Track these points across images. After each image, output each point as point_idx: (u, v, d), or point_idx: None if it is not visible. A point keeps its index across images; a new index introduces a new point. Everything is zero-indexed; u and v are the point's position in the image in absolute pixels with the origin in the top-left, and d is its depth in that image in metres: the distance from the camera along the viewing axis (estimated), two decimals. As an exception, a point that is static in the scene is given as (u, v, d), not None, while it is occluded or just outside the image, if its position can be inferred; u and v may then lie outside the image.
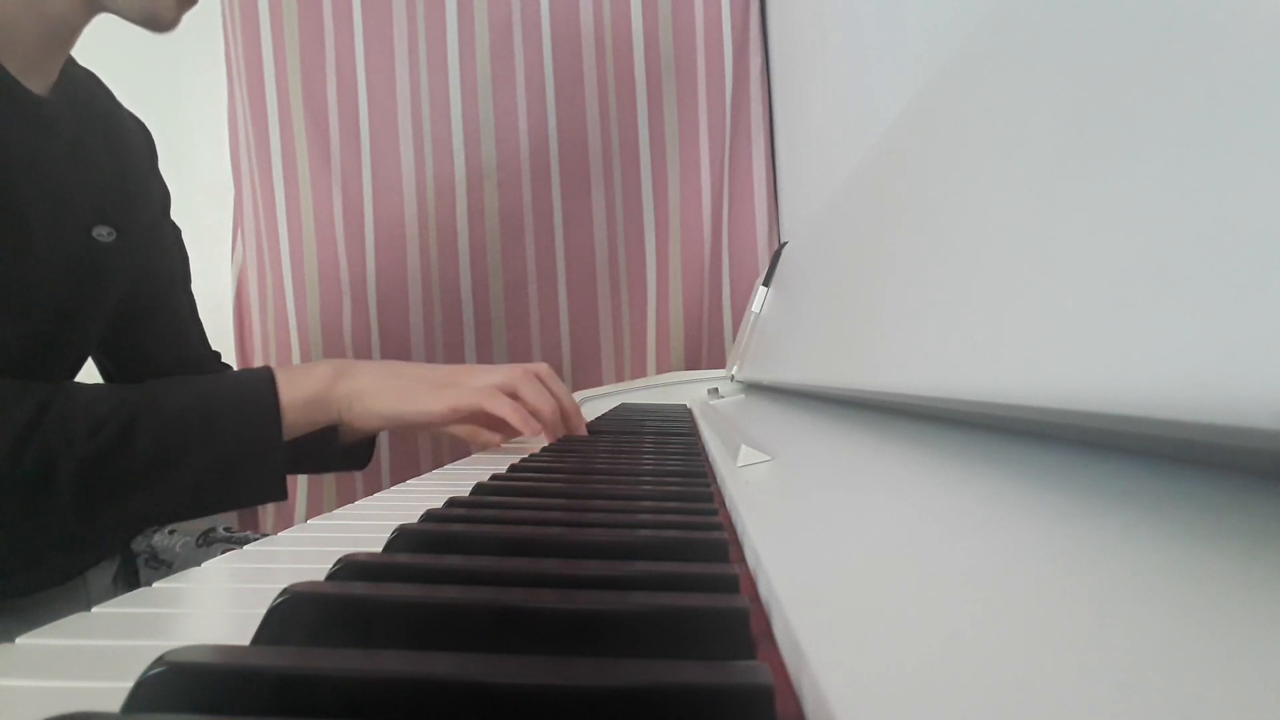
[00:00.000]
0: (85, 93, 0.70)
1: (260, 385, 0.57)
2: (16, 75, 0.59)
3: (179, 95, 1.53)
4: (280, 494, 0.57)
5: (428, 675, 0.14)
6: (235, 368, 0.91)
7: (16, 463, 0.47)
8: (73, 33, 0.63)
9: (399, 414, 0.61)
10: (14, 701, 0.16)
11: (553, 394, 0.65)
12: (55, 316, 0.62)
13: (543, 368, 0.67)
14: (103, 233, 0.66)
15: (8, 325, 0.58)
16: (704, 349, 1.45)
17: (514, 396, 0.63)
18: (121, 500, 0.51)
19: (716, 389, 1.07)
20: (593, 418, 0.91)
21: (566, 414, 0.68)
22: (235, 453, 0.54)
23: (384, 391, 0.61)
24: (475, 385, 0.62)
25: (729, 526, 0.30)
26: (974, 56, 0.26)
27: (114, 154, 0.70)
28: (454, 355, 1.43)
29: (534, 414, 0.63)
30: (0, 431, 0.47)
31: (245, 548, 0.31)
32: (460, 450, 1.40)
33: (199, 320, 0.87)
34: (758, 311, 0.86)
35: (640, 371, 1.47)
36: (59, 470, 0.48)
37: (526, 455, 0.56)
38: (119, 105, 0.76)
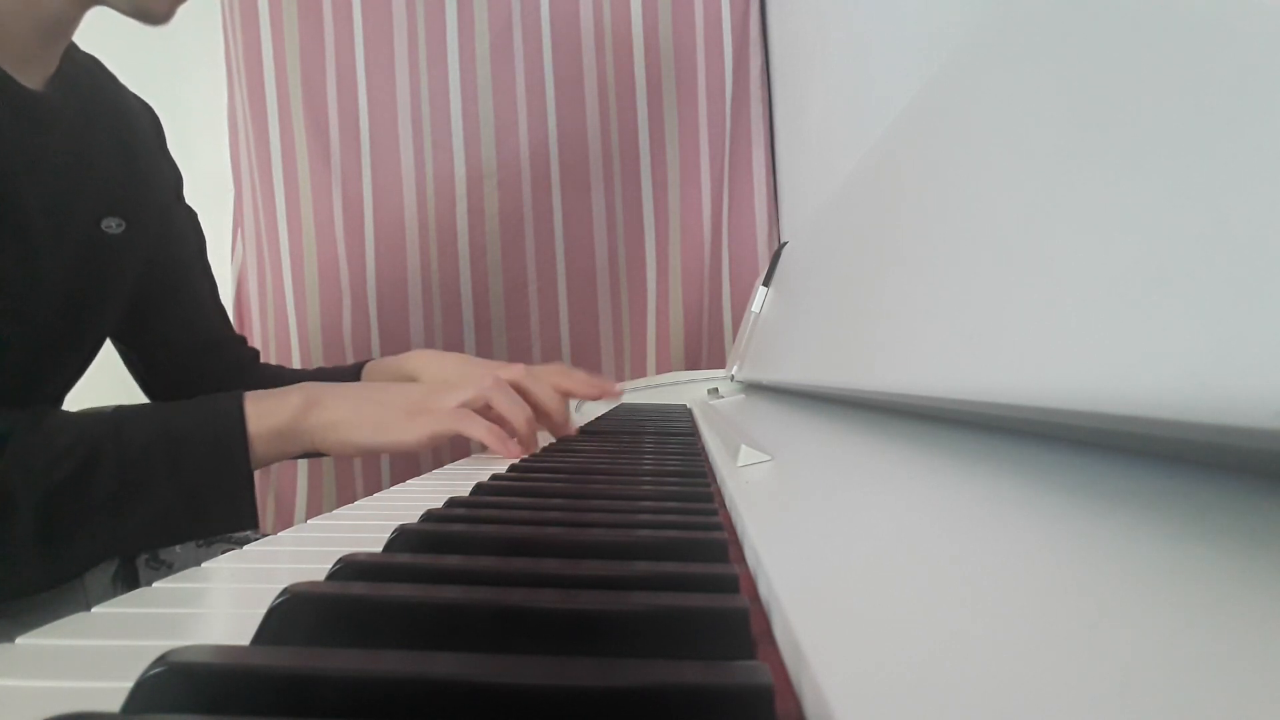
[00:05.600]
0: (88, 80, 0.68)
1: (229, 417, 0.55)
2: (11, 71, 0.57)
3: (178, 96, 1.53)
4: (252, 523, 0.56)
5: (428, 675, 0.14)
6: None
7: None
8: (68, 26, 0.61)
9: (375, 445, 0.59)
10: (14, 701, 0.16)
11: (530, 399, 0.63)
12: (63, 314, 0.61)
13: (518, 373, 0.64)
14: (112, 224, 0.65)
15: (11, 327, 0.57)
16: (704, 349, 1.45)
17: (490, 408, 0.61)
18: (85, 532, 0.50)
19: (716, 389, 1.07)
20: (593, 418, 0.91)
21: (549, 417, 0.67)
22: (202, 486, 0.53)
23: (358, 422, 0.59)
24: (448, 408, 0.60)
25: (729, 526, 0.30)
26: (974, 56, 0.26)
27: (120, 141, 0.69)
28: (454, 356, 1.43)
29: (508, 427, 0.61)
30: None
31: (245, 548, 0.31)
32: (460, 450, 1.40)
33: (220, 303, 0.84)
34: (758, 311, 0.86)
35: (640, 371, 1.47)
36: (19, 503, 0.47)
37: (526, 455, 0.56)
38: (123, 88, 0.74)
